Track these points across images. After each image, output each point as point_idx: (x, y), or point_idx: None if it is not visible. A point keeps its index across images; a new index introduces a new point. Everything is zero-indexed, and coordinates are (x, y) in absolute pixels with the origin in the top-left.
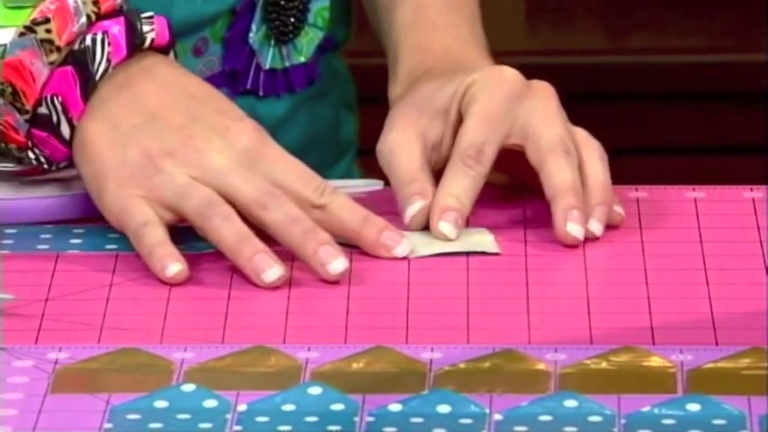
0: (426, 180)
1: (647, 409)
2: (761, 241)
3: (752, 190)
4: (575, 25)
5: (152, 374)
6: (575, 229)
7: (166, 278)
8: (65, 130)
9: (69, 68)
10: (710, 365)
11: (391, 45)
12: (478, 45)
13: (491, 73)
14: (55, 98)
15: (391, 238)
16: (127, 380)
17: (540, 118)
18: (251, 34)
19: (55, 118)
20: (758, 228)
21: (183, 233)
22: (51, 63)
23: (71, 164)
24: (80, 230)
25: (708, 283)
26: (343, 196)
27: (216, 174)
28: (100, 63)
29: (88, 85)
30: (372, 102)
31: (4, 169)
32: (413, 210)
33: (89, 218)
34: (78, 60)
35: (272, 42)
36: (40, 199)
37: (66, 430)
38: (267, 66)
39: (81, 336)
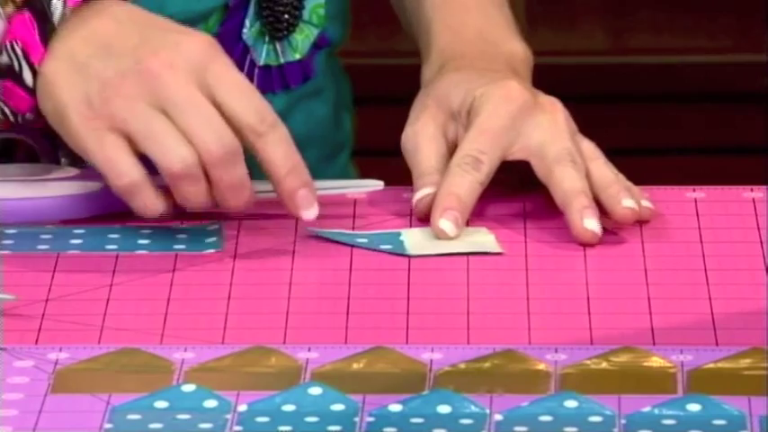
0: (440, 170)
1: (647, 409)
2: (761, 241)
3: (752, 190)
4: (575, 25)
5: (152, 374)
6: (591, 224)
7: (147, 216)
8: (27, 76)
9: (27, 14)
10: (711, 366)
11: (422, 28)
12: (509, 26)
13: (498, 88)
14: (15, 44)
15: (306, 198)
16: (127, 380)
17: (545, 133)
18: (244, 30)
19: (17, 65)
20: (758, 228)
21: (183, 232)
22: (9, 13)
23: (36, 115)
24: (80, 230)
25: (708, 283)
26: (282, 133)
27: (169, 104)
28: (56, 6)
29: (47, 29)
30: (369, 102)
31: None
32: (421, 193)
33: (89, 218)
34: (35, 6)
35: (267, 39)
36: (40, 199)
37: (66, 430)
38: (261, 62)
39: (81, 336)
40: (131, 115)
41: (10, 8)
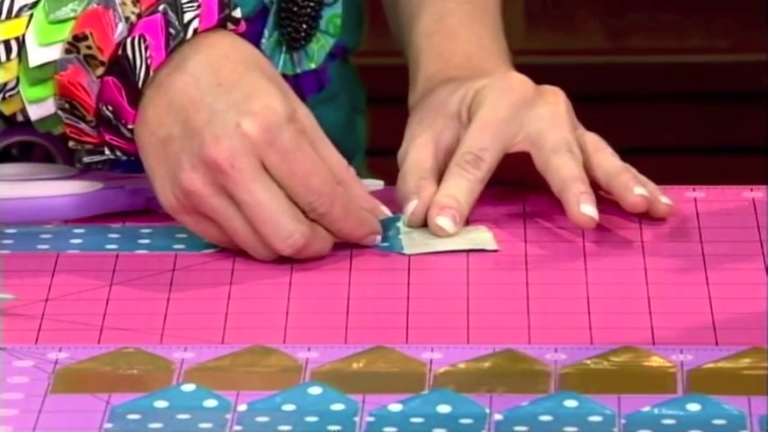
0: (428, 177)
1: (647, 409)
2: (761, 241)
3: (752, 190)
4: (575, 25)
5: (152, 374)
6: (588, 209)
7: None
8: (125, 131)
9: (112, 79)
10: (710, 365)
11: (412, 54)
12: (500, 54)
13: (500, 80)
14: (107, 107)
15: (374, 241)
16: (127, 380)
17: (546, 123)
18: (263, 40)
19: (114, 122)
20: (758, 228)
21: (183, 232)
22: (99, 76)
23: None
24: (80, 230)
25: (708, 283)
26: (341, 204)
27: (239, 203)
28: (140, 69)
29: (134, 93)
30: (381, 103)
31: (92, 160)
32: (410, 208)
33: (89, 218)
34: (121, 69)
35: (284, 48)
36: (40, 199)
37: (66, 430)
38: (278, 72)
39: (81, 336)
40: (209, 211)
41: (100, 71)
